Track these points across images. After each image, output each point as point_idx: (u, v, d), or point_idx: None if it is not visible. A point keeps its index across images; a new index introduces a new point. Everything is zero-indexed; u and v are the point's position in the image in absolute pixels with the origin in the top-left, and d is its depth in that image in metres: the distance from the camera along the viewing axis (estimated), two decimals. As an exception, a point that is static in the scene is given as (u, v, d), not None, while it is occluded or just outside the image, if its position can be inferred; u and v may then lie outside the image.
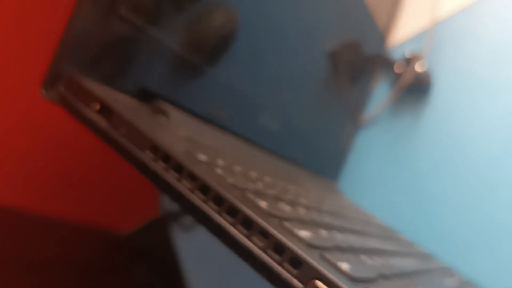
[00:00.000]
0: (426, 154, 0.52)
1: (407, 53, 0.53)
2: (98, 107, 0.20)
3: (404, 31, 0.57)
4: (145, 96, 0.26)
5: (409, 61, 0.52)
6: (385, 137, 0.55)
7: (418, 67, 0.52)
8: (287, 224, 0.19)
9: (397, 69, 0.53)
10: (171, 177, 0.19)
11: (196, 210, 0.18)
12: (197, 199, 0.18)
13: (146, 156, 0.19)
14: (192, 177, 0.18)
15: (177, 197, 0.19)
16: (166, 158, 0.19)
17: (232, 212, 0.18)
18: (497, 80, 0.51)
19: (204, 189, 0.18)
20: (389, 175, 0.53)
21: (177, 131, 0.24)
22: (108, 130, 0.19)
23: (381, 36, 0.57)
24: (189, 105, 0.30)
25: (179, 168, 0.19)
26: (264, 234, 0.17)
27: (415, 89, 0.53)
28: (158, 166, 0.19)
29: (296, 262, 0.16)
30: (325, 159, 0.54)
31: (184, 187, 0.18)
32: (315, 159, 0.52)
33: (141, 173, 0.19)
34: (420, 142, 0.53)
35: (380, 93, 0.56)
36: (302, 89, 0.49)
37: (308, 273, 0.16)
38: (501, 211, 0.48)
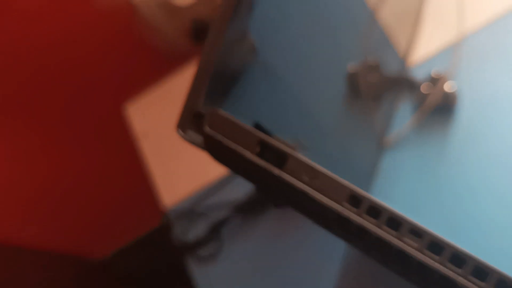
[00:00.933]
0: (455, 175, 0.50)
1: (433, 72, 0.51)
2: (258, 149, 0.17)
3: (427, 48, 0.55)
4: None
5: (435, 81, 0.51)
6: (412, 159, 0.53)
7: (447, 87, 0.50)
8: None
9: (423, 89, 0.51)
10: (390, 235, 0.17)
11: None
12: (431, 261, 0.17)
13: (347, 210, 0.17)
14: (416, 233, 0.16)
15: (398, 255, 0.17)
16: (373, 210, 0.17)
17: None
18: None
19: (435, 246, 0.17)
20: (418, 199, 0.51)
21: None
22: (288, 178, 0.17)
23: (403, 56, 0.55)
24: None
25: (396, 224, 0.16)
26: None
27: (440, 109, 0.52)
28: (369, 223, 0.17)
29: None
30: (351, 182, 0.52)
31: (410, 246, 0.17)
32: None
33: (342, 231, 0.17)
34: (448, 164, 0.51)
35: (404, 115, 0.55)
36: (324, 113, 0.47)
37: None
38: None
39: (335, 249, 0.50)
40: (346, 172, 0.50)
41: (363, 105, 0.52)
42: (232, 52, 0.23)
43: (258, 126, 0.25)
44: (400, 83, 0.55)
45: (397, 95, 0.55)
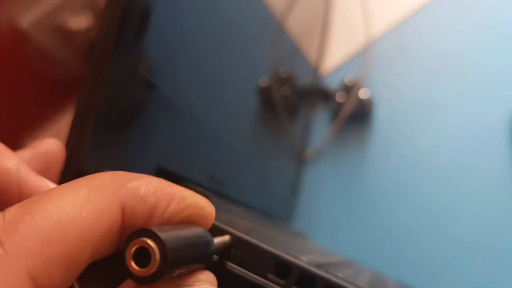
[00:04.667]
0: (376, 181, 0.50)
1: (347, 80, 0.50)
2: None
3: (338, 55, 0.55)
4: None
5: (349, 89, 0.50)
6: (334, 170, 0.51)
7: (361, 94, 0.49)
8: None
9: (338, 98, 0.50)
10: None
11: None
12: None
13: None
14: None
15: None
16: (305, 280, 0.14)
17: None
18: (435, 95, 0.51)
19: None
20: (344, 209, 0.50)
21: (239, 223, 0.18)
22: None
23: (314, 66, 0.54)
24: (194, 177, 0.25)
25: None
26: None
27: (357, 116, 0.51)
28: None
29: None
30: (275, 201, 0.49)
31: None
32: (265, 203, 0.47)
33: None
34: (370, 170, 0.50)
35: (322, 125, 0.53)
36: (238, 135, 0.45)
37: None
38: (460, 227, 0.46)
39: None
40: (267, 193, 0.48)
41: (279, 120, 0.50)
42: (121, 84, 0.20)
43: (162, 170, 0.21)
44: (314, 93, 0.53)
45: (313, 106, 0.53)
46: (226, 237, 0.15)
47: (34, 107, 0.62)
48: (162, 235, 0.11)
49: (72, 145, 0.17)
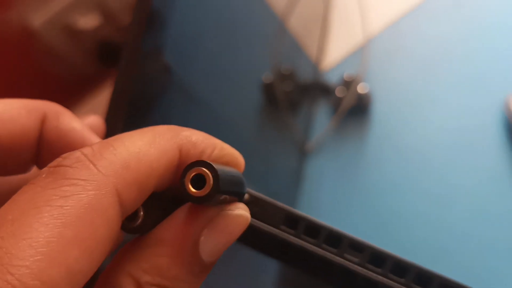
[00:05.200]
0: (376, 171, 0.52)
1: (346, 75, 0.53)
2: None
3: (338, 52, 0.57)
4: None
5: (348, 84, 0.52)
6: (335, 161, 0.54)
7: (360, 89, 0.51)
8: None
9: (338, 93, 0.53)
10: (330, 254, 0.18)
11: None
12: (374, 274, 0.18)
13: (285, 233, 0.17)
14: (357, 248, 0.18)
15: (341, 272, 0.17)
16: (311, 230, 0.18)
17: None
18: (430, 90, 0.53)
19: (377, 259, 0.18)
20: (344, 198, 0.52)
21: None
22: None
23: (315, 62, 0.56)
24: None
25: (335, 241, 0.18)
26: None
27: (356, 110, 0.53)
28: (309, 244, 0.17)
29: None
30: (278, 193, 0.52)
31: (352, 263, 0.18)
32: (268, 195, 0.49)
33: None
34: (369, 161, 0.53)
35: (323, 119, 0.55)
36: (244, 126, 0.47)
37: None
38: (452, 217, 0.48)
39: (269, 261, 0.49)
40: (272, 182, 0.50)
41: (282, 114, 0.52)
42: (147, 74, 0.22)
43: None
44: (315, 89, 0.55)
45: (314, 100, 0.56)
46: (246, 195, 0.18)
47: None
48: (215, 166, 0.14)
49: (111, 121, 0.19)
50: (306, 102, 0.55)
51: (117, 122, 0.19)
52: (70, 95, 0.65)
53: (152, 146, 0.15)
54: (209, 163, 0.14)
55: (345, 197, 0.52)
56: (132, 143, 0.14)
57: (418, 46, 0.55)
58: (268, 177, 0.49)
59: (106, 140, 0.14)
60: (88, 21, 0.59)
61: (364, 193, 0.52)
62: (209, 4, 0.38)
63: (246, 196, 0.18)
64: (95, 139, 0.19)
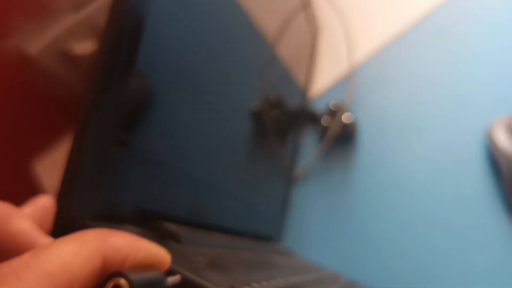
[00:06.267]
0: (360, 200, 0.53)
1: (331, 105, 0.54)
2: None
3: (324, 81, 0.58)
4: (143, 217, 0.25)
5: (333, 113, 0.53)
6: (321, 188, 0.55)
7: (345, 118, 0.53)
8: None
9: (324, 122, 0.54)
10: None
11: None
12: None
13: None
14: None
15: None
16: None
17: None
18: (414, 119, 0.54)
19: None
20: (330, 225, 0.54)
21: (197, 258, 0.22)
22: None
23: (302, 90, 0.57)
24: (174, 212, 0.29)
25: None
26: None
27: (342, 138, 0.55)
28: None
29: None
30: (266, 221, 0.53)
31: None
32: (255, 224, 0.50)
33: None
34: (353, 189, 0.54)
35: (310, 147, 0.57)
36: (230, 154, 0.48)
37: None
38: (442, 243, 0.50)
39: None
40: (260, 209, 0.51)
41: (270, 142, 0.53)
42: (101, 144, 0.23)
43: (142, 210, 0.25)
44: (303, 116, 0.57)
45: (301, 128, 0.57)
46: (177, 277, 0.20)
47: (41, 128, 0.65)
48: (131, 276, 0.16)
49: (62, 197, 0.21)
50: (293, 129, 0.56)
51: (69, 197, 0.21)
52: (69, 117, 0.67)
53: (77, 255, 0.16)
54: (125, 274, 0.16)
55: (332, 224, 0.54)
56: (58, 254, 0.16)
57: (402, 75, 0.56)
58: (256, 204, 0.50)
59: (34, 251, 0.16)
60: (84, 47, 0.61)
61: (349, 222, 0.53)
62: (197, 29, 0.38)
63: (178, 277, 0.20)
64: (41, 239, 0.21)
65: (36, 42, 0.59)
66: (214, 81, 0.43)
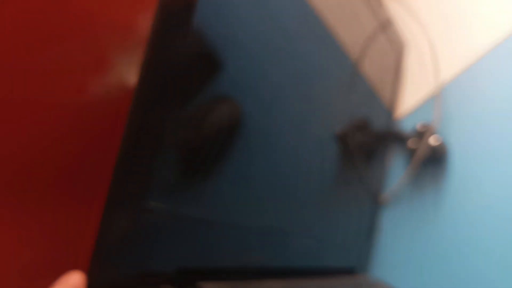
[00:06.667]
0: (452, 227, 0.51)
1: (418, 126, 0.53)
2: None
3: (409, 103, 0.55)
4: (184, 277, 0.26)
5: (421, 135, 0.53)
6: (409, 213, 0.53)
7: (432, 141, 0.53)
8: None
9: (411, 144, 0.53)
10: None
11: None
12: None
13: None
14: None
15: None
16: None
17: None
18: (509, 141, 0.50)
19: None
20: (419, 251, 0.52)
21: None
22: None
23: (388, 111, 0.53)
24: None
25: None
26: None
27: (432, 161, 0.52)
28: None
29: None
30: (348, 253, 0.51)
31: None
32: (335, 258, 0.48)
33: None
34: (444, 216, 0.52)
35: (397, 169, 0.55)
36: (317, 177, 0.44)
37: None
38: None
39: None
40: (346, 233, 0.48)
41: (356, 164, 0.49)
42: None
43: (182, 269, 0.26)
44: (390, 139, 0.53)
45: (388, 151, 0.54)
46: None
47: None
48: None
49: (92, 273, 0.22)
50: (380, 152, 0.53)
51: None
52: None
53: None
54: None
55: (419, 252, 0.52)
56: None
57: (494, 91, 0.52)
58: (343, 228, 0.48)
59: None
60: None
61: (438, 250, 0.51)
62: (281, 50, 0.36)
63: None
64: None
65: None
66: (299, 101, 0.41)
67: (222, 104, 0.31)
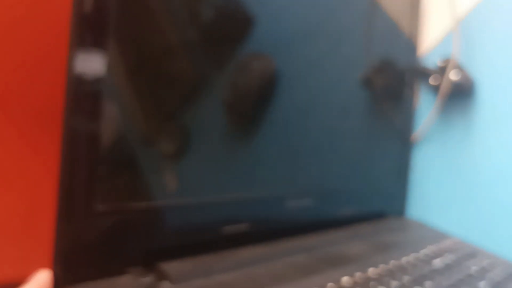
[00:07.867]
0: (484, 159, 0.51)
1: (439, 61, 0.53)
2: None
3: (429, 38, 0.55)
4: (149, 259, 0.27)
5: (442, 70, 0.53)
6: (441, 150, 0.54)
7: (453, 75, 0.52)
8: None
9: (432, 81, 0.53)
10: None
11: None
12: None
13: None
14: None
15: None
16: None
17: None
18: None
19: None
20: (453, 187, 0.52)
21: None
22: None
23: (411, 46, 0.53)
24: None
25: None
26: None
27: (459, 94, 0.52)
28: None
29: None
30: (388, 192, 0.52)
31: None
32: (366, 203, 0.50)
33: None
34: (475, 149, 0.51)
35: (425, 107, 0.55)
36: (346, 122, 0.45)
37: None
38: None
39: None
40: (379, 175, 0.49)
41: (384, 107, 0.49)
42: None
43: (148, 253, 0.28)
44: (413, 76, 0.54)
45: (414, 89, 0.54)
46: None
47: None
48: None
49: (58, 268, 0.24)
50: (406, 91, 0.53)
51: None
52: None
53: None
54: None
55: (453, 188, 0.52)
56: None
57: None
58: (375, 171, 0.49)
59: None
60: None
61: (471, 183, 0.51)
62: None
63: None
64: None
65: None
66: (321, 48, 0.41)
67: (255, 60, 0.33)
